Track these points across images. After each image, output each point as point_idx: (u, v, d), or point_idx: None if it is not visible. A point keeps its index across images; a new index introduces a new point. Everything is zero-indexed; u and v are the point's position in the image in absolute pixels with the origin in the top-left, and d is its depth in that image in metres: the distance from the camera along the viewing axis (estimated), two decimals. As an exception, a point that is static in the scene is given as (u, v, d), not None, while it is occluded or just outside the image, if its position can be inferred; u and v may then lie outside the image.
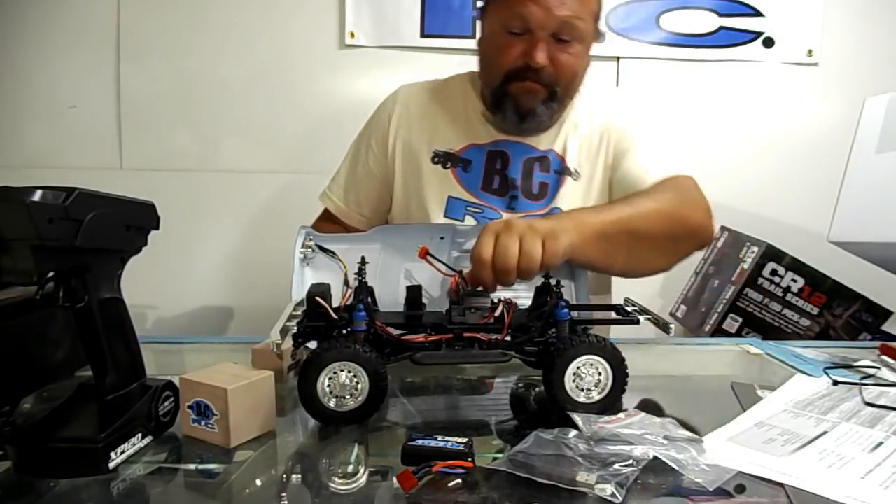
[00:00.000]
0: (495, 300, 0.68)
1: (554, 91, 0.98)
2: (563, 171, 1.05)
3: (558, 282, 0.70)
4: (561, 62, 0.96)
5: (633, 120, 1.08)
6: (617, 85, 1.65)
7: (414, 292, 0.75)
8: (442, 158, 1.06)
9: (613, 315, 0.74)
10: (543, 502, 0.46)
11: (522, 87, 0.97)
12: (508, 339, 0.66)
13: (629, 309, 0.71)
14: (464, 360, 0.70)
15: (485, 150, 1.06)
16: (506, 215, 1.04)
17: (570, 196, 1.04)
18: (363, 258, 0.72)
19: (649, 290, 1.67)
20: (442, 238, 0.83)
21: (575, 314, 0.68)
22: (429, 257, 0.75)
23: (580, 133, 1.07)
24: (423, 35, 1.60)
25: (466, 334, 0.65)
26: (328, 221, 1.15)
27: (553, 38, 0.94)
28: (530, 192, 1.05)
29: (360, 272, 0.70)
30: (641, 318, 0.68)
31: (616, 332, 1.00)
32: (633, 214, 0.87)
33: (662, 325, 0.66)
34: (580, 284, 0.86)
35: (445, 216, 1.04)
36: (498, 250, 0.68)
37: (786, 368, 0.83)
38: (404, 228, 0.98)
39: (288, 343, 0.61)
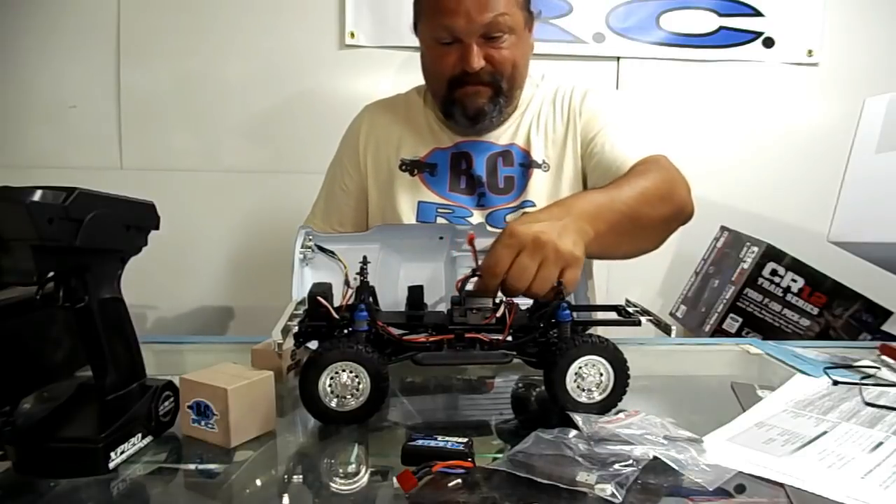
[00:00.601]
0: (497, 301, 0.68)
1: (498, 87, 1.00)
2: (530, 164, 1.07)
3: (559, 282, 0.70)
4: (497, 59, 0.98)
5: (596, 102, 1.09)
6: (617, 85, 1.65)
7: (416, 292, 0.75)
8: (409, 166, 1.09)
9: (614, 316, 0.74)
10: (543, 502, 0.46)
11: (466, 91, 1.00)
12: (510, 339, 0.66)
13: (630, 310, 0.71)
14: (465, 361, 0.70)
15: (448, 153, 1.09)
16: (476, 212, 1.06)
17: (541, 187, 1.06)
18: (364, 258, 0.72)
19: (649, 290, 1.67)
20: (441, 238, 0.83)
21: (576, 315, 0.68)
22: (472, 244, 0.74)
23: (543, 123, 1.08)
24: (423, 35, 1.60)
25: (468, 335, 0.65)
26: None
27: (484, 38, 0.97)
28: (497, 187, 1.07)
29: (362, 271, 0.70)
30: (643, 319, 0.68)
31: (616, 332, 1.00)
32: (637, 198, 0.85)
33: (664, 327, 0.66)
34: (580, 286, 0.86)
35: (417, 220, 1.06)
36: (514, 268, 0.66)
37: (786, 368, 0.83)
38: (403, 228, 0.98)
39: (289, 343, 0.61)
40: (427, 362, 0.63)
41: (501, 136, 1.08)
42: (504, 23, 0.96)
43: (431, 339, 0.65)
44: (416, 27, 1.06)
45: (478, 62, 0.97)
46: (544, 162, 1.07)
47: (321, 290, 0.66)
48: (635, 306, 0.72)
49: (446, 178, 1.08)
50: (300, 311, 0.65)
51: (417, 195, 1.08)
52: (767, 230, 1.38)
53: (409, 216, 1.07)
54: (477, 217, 1.05)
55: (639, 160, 0.97)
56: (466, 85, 0.99)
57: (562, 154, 1.07)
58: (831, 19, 1.64)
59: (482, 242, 0.85)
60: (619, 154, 1.00)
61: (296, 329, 0.62)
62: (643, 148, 0.99)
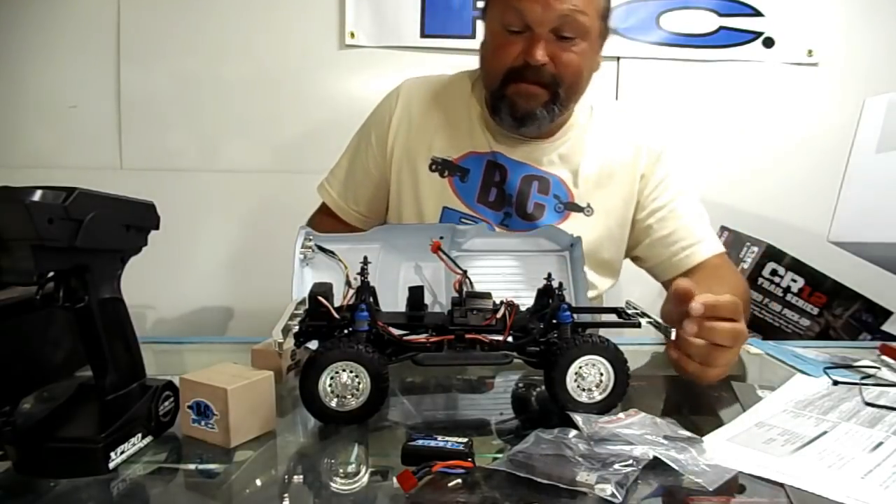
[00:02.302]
0: (497, 302, 0.68)
1: (556, 92, 0.93)
2: (570, 206, 1.02)
3: (560, 284, 0.70)
4: (563, 60, 0.91)
5: (671, 164, 1.05)
6: (617, 85, 1.65)
7: (416, 293, 0.75)
8: (440, 167, 1.04)
9: (614, 318, 0.74)
10: (543, 502, 0.46)
11: (520, 88, 0.93)
12: (510, 340, 0.66)
13: (630, 312, 0.71)
14: (465, 362, 0.70)
15: (484, 160, 1.03)
16: (499, 230, 1.01)
17: (580, 230, 0.99)
18: (365, 258, 0.72)
19: (649, 291, 1.67)
20: (442, 238, 0.83)
21: (576, 317, 0.68)
22: (440, 252, 0.75)
23: (598, 164, 1.03)
24: (423, 35, 1.60)
25: (468, 335, 0.65)
26: (326, 215, 1.14)
27: (554, 35, 0.90)
28: (525, 211, 1.02)
29: (363, 272, 0.70)
30: (643, 321, 0.68)
31: (616, 333, 1.00)
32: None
33: (664, 330, 0.66)
34: (579, 287, 0.86)
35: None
36: (722, 329, 0.65)
37: (786, 368, 0.83)
38: (404, 228, 0.98)
39: (289, 342, 0.61)
40: (427, 363, 0.63)
41: (543, 160, 1.02)
42: (580, 22, 0.90)
43: (432, 339, 0.65)
44: (485, 12, 0.99)
45: (542, 55, 0.89)
46: (588, 206, 1.02)
47: (321, 290, 0.66)
48: (635, 308, 0.72)
49: (476, 187, 1.02)
50: (300, 312, 0.65)
51: (444, 200, 1.03)
52: (767, 230, 1.38)
53: (432, 220, 1.03)
54: None
55: (717, 257, 1.01)
56: (523, 81, 0.92)
57: (611, 201, 1.03)
58: (831, 19, 1.64)
59: (478, 243, 0.85)
60: (688, 240, 1.02)
61: (296, 329, 0.62)
62: (713, 240, 1.02)
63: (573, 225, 1.02)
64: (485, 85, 1.01)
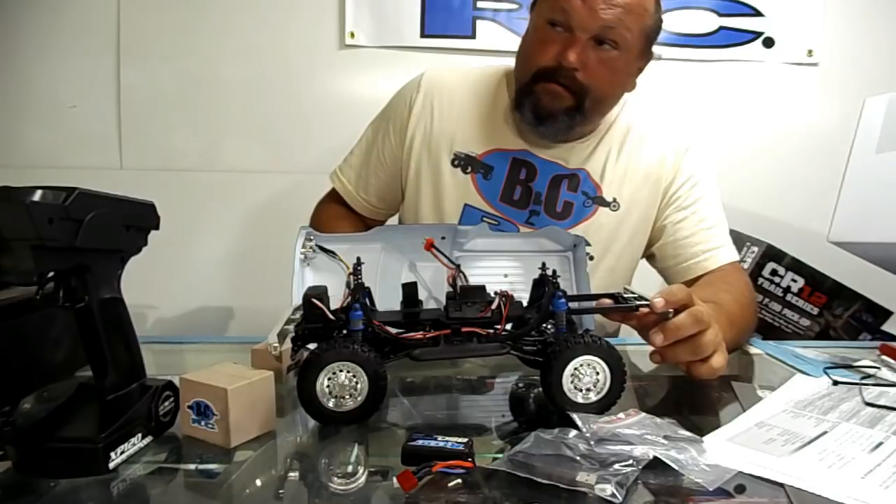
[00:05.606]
0: (492, 293, 0.68)
1: (581, 101, 0.92)
2: (597, 200, 1.01)
3: (554, 271, 0.69)
4: (594, 69, 0.91)
5: (697, 165, 1.05)
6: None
7: (409, 289, 0.74)
8: (463, 162, 1.01)
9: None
10: (543, 502, 0.46)
11: (547, 88, 0.92)
12: (506, 332, 0.66)
13: (627, 297, 0.71)
14: (462, 355, 0.70)
15: (509, 158, 1.01)
16: (524, 230, 1.00)
17: (604, 227, 1.01)
18: (358, 259, 0.72)
19: (649, 291, 1.67)
20: (443, 238, 0.82)
21: (575, 305, 0.67)
22: (433, 249, 0.75)
23: (625, 159, 1.02)
24: (423, 35, 1.60)
25: (465, 329, 0.65)
26: (335, 202, 1.13)
27: (594, 41, 0.90)
28: (554, 210, 1.01)
29: (356, 272, 0.70)
30: (639, 304, 0.68)
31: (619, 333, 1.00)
32: (741, 335, 0.91)
33: (661, 312, 0.66)
34: (582, 287, 0.85)
35: (461, 224, 1.00)
36: (695, 340, 0.69)
37: (786, 368, 0.83)
38: (405, 228, 0.98)
39: (287, 346, 0.61)
40: (424, 358, 0.63)
41: (572, 160, 1.01)
42: (620, 35, 0.90)
43: (428, 335, 0.65)
44: (534, 6, 0.97)
45: (575, 59, 0.88)
46: (615, 200, 1.02)
47: (316, 293, 0.65)
48: (632, 293, 0.71)
49: (500, 185, 1.01)
50: (297, 316, 0.65)
51: (465, 197, 1.01)
52: (767, 230, 1.37)
53: (452, 219, 1.01)
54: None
55: (731, 265, 1.00)
56: (551, 82, 0.92)
57: (636, 196, 1.02)
58: (831, 19, 1.64)
59: (480, 243, 0.85)
60: (706, 244, 1.01)
61: (292, 333, 0.62)
62: (731, 248, 1.02)
63: (600, 220, 1.01)
64: (516, 77, 0.99)
